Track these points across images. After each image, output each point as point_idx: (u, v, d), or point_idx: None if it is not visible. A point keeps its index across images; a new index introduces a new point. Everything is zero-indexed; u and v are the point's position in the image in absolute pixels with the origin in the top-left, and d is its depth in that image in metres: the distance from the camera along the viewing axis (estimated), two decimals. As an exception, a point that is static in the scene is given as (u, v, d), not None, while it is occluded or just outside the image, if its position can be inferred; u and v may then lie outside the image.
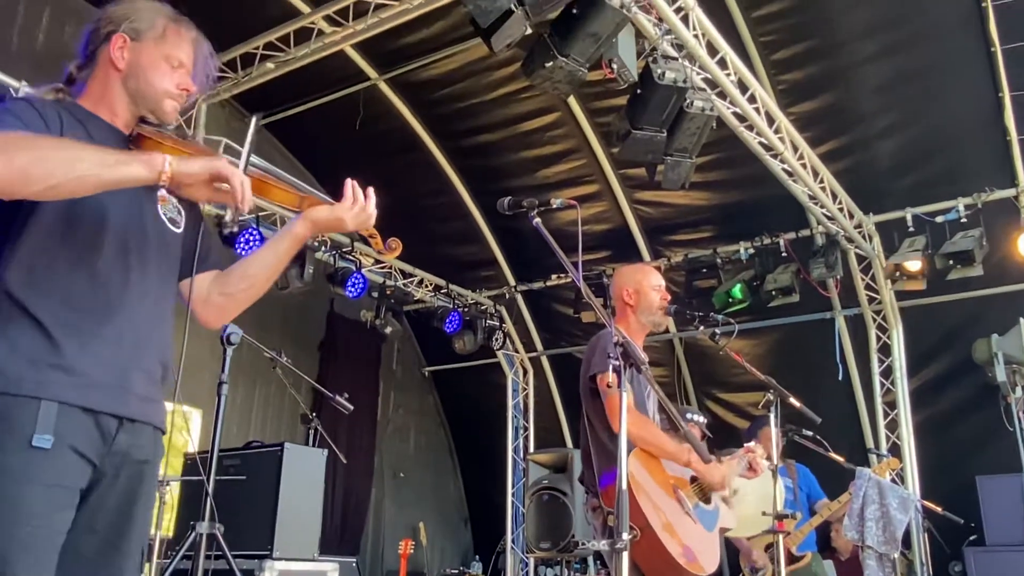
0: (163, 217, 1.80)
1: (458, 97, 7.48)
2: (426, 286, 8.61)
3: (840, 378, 7.45)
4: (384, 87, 7.53)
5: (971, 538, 6.16)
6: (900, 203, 6.77)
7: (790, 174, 6.11)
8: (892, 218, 6.88)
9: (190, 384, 5.18)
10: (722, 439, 6.31)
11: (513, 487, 9.25)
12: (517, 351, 9.54)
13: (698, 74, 5.10)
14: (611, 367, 2.36)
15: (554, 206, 2.62)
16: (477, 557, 9.80)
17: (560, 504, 6.62)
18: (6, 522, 1.47)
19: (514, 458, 9.38)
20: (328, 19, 5.73)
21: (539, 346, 9.46)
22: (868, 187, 6.83)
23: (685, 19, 4.82)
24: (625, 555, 2.24)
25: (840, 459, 5.13)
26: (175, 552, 3.54)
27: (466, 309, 8.74)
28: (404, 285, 8.35)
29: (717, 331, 3.72)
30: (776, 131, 5.77)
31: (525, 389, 9.62)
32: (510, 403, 9.50)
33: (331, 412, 5.58)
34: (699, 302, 7.28)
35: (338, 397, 4.81)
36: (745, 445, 3.59)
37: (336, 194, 1.83)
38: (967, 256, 6.25)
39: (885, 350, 7.30)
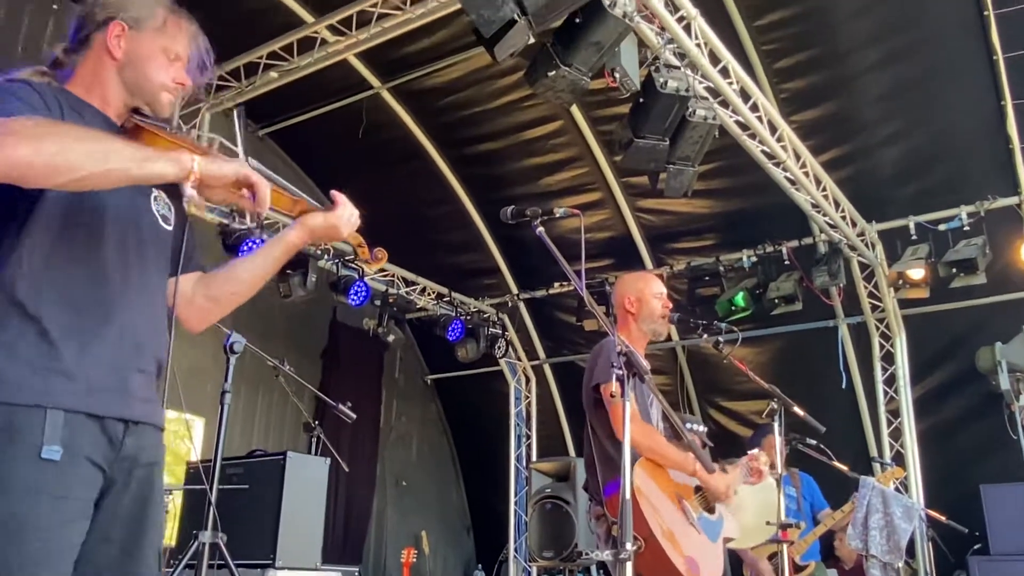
0: (156, 214, 1.73)
1: (461, 106, 7.49)
2: (429, 294, 8.62)
3: (843, 386, 7.42)
4: (387, 96, 7.53)
5: (975, 547, 6.11)
6: (903, 211, 6.77)
7: (793, 182, 6.11)
8: (895, 226, 6.87)
9: (193, 392, 5.17)
10: (725, 447, 6.31)
11: (516, 496, 9.22)
12: (519, 359, 9.52)
13: (700, 83, 5.11)
14: (615, 376, 2.35)
15: (557, 215, 2.61)
16: (480, 566, 9.75)
17: (563, 513, 6.59)
18: (17, 539, 1.41)
19: (517, 466, 9.35)
20: (331, 28, 5.75)
21: (541, 354, 9.46)
22: (871, 195, 6.83)
23: (687, 28, 4.83)
24: (629, 565, 2.24)
25: (844, 468, 5.11)
26: (178, 561, 3.52)
27: (468, 317, 8.73)
28: (407, 293, 8.35)
29: (721, 339, 3.72)
30: (779, 139, 5.77)
31: (528, 397, 9.60)
32: (512, 411, 9.48)
33: (334, 420, 5.57)
34: (702, 310, 7.27)
35: (341, 405, 4.78)
36: (749, 453, 3.58)
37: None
38: (970, 264, 6.24)
39: (888, 358, 7.29)
